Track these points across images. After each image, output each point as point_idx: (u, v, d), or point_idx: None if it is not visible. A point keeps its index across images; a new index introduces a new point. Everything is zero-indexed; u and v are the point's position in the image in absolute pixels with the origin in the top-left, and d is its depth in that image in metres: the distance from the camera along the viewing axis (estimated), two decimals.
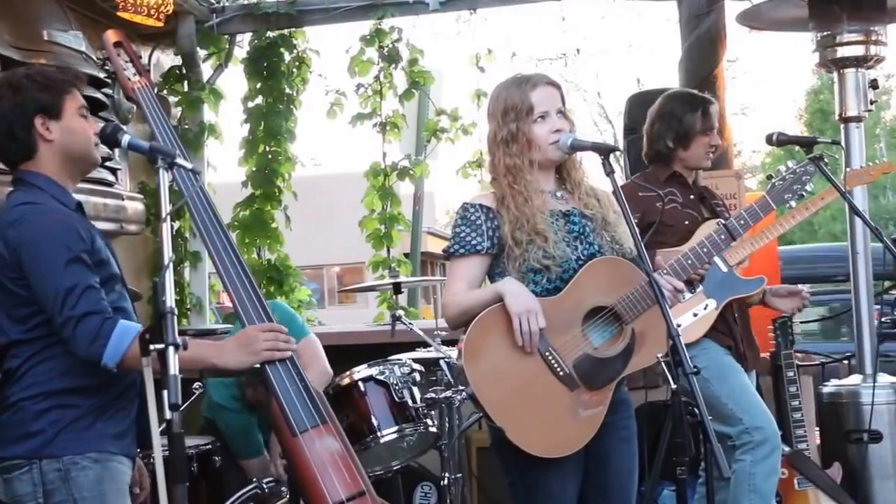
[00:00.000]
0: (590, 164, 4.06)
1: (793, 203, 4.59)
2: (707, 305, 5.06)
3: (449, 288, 3.89)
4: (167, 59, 8.42)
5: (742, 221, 4.46)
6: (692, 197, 5.18)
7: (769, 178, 4.63)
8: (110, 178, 6.45)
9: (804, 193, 4.59)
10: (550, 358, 3.72)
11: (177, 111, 8.34)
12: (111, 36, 4.15)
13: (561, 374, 3.72)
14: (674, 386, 3.85)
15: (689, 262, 4.04)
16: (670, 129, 5.23)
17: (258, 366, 3.77)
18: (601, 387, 3.77)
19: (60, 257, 3.37)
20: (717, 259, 5.08)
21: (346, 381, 5.09)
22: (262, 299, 3.95)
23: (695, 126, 5.20)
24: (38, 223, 3.41)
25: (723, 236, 4.68)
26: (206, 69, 8.51)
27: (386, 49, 8.20)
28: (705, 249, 4.55)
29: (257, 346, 3.68)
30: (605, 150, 3.79)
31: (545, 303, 3.74)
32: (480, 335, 3.74)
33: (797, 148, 4.98)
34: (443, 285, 4.14)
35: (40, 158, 3.56)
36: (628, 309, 3.79)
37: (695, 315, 5.03)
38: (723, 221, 4.43)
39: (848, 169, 5.63)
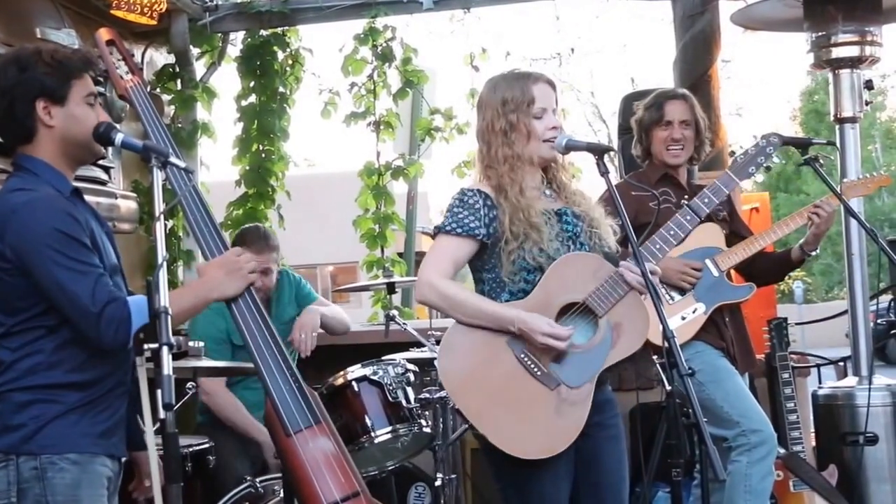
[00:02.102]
0: (584, 165, 4.05)
1: (758, 177, 4.54)
2: (696, 309, 5.06)
3: (434, 264, 3.83)
4: (160, 57, 8.40)
5: (706, 200, 4.36)
6: (686, 198, 5.17)
7: (732, 154, 4.59)
8: (103, 176, 6.43)
9: (770, 166, 4.50)
10: (525, 359, 3.72)
11: (170, 109, 8.33)
12: (103, 34, 4.13)
13: (538, 374, 3.71)
14: (668, 387, 3.84)
15: (658, 246, 3.99)
16: (634, 132, 5.35)
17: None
18: (582, 383, 3.74)
19: (62, 248, 3.29)
20: (708, 263, 5.08)
21: (340, 381, 5.08)
22: (255, 296, 3.93)
23: (643, 120, 5.24)
24: (31, 211, 3.32)
25: (688, 217, 4.63)
26: (200, 67, 8.50)
27: (380, 48, 8.19)
28: (672, 231, 4.50)
29: (244, 269, 3.70)
30: (599, 151, 3.78)
31: (514, 306, 3.74)
32: (455, 345, 3.76)
33: (792, 149, 4.98)
34: None
35: (39, 142, 3.47)
36: (599, 302, 3.76)
37: (683, 318, 5.03)
38: (686, 202, 4.36)
39: (845, 180, 5.63)
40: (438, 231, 3.88)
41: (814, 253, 5.20)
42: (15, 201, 3.35)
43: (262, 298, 5.77)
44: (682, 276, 4.97)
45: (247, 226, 6.32)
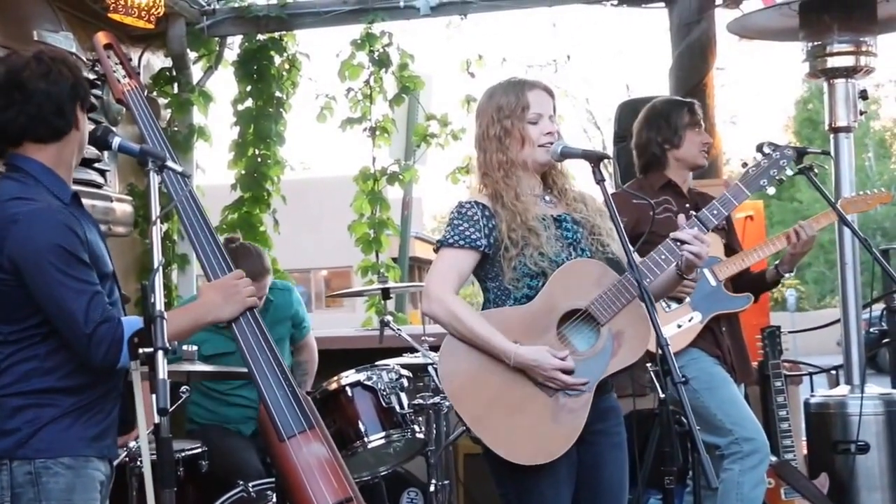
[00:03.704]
0: (579, 172, 4.04)
1: (770, 189, 4.42)
2: (692, 318, 5.07)
3: (440, 278, 3.83)
4: (157, 60, 8.40)
5: (715, 211, 4.23)
6: (687, 206, 5.16)
7: (744, 165, 4.51)
8: (99, 179, 6.44)
9: (783, 178, 4.45)
10: None
11: (166, 113, 8.33)
12: (101, 38, 4.14)
13: (539, 379, 3.71)
14: (662, 395, 3.83)
15: (663, 256, 3.96)
16: (659, 132, 5.26)
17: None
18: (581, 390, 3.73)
19: (58, 264, 3.27)
20: (706, 272, 5.09)
21: (334, 386, 5.09)
22: None
23: (683, 121, 5.21)
24: (33, 224, 3.30)
25: (695, 228, 4.60)
26: (196, 71, 8.50)
27: (376, 53, 8.20)
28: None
29: (242, 294, 3.72)
30: (595, 158, 3.76)
31: (517, 311, 3.75)
32: (455, 349, 3.75)
33: None
34: None
35: (58, 145, 3.46)
36: (602, 309, 3.75)
37: (679, 326, 5.04)
38: (694, 213, 4.31)
39: (844, 196, 5.65)
40: (441, 245, 3.87)
41: (788, 275, 5.22)
42: (15, 211, 3.33)
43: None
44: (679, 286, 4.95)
45: (239, 243, 6.06)
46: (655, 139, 5.26)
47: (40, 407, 3.33)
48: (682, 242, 3.80)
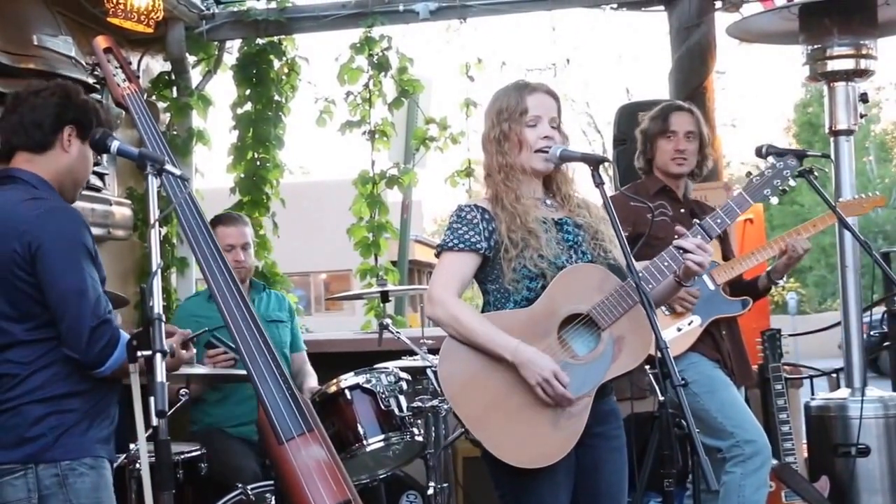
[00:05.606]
0: (579, 175, 4.04)
1: (773, 199, 4.40)
2: (692, 322, 5.07)
3: (442, 282, 3.82)
4: (156, 64, 8.40)
5: (718, 220, 4.19)
6: (682, 211, 5.18)
7: (748, 174, 4.51)
8: (98, 183, 6.43)
9: (787, 188, 4.43)
10: None
11: (165, 117, 8.32)
12: (101, 42, 4.15)
13: (531, 381, 3.69)
14: (661, 398, 3.82)
15: (665, 263, 3.95)
16: (640, 140, 5.40)
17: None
18: (581, 395, 3.71)
19: (82, 258, 3.38)
20: (704, 277, 5.09)
21: (333, 388, 5.09)
22: (248, 304, 3.94)
23: (651, 129, 5.28)
24: (62, 219, 3.42)
25: (698, 237, 4.58)
26: (196, 75, 8.49)
27: (376, 57, 8.18)
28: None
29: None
30: (594, 161, 3.76)
31: (518, 314, 3.74)
32: (455, 351, 3.74)
33: None
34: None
35: (45, 158, 3.55)
36: (603, 314, 3.74)
37: (678, 330, 5.04)
38: (697, 221, 4.29)
39: (840, 200, 5.64)
40: (441, 249, 3.87)
41: (780, 282, 5.25)
42: (34, 206, 3.42)
43: (242, 277, 5.77)
44: (680, 300, 4.96)
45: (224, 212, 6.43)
46: (639, 150, 5.42)
47: (61, 413, 3.42)
48: (685, 251, 3.79)
